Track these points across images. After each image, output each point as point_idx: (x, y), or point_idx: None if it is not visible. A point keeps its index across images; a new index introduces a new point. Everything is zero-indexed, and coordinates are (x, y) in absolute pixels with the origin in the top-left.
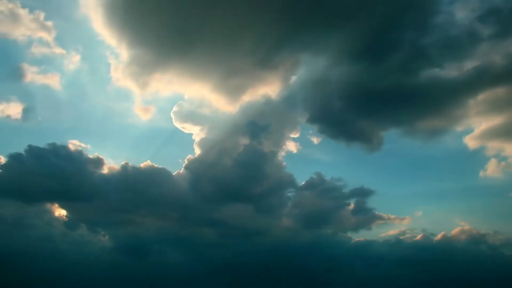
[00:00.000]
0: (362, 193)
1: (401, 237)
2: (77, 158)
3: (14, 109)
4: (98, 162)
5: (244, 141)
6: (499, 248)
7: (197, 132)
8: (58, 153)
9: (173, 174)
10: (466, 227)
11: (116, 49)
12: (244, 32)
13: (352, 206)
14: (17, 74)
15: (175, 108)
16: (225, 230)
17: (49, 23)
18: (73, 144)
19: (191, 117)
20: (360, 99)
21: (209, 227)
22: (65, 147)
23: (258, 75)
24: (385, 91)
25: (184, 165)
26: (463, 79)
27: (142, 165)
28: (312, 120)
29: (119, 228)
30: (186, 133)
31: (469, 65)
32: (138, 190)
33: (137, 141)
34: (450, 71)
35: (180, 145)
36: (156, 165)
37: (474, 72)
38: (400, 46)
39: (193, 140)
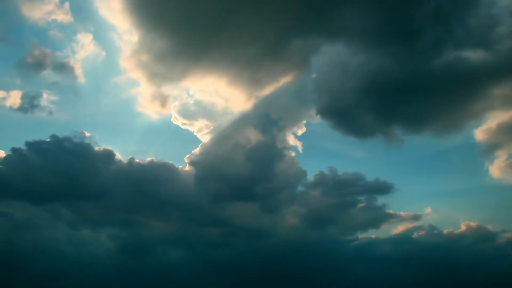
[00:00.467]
0: (373, 190)
1: (410, 235)
2: (83, 151)
3: (16, 98)
4: (107, 156)
5: (252, 136)
6: (506, 247)
7: (201, 128)
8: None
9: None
10: (475, 225)
11: (128, 35)
12: (255, 20)
13: (361, 203)
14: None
15: (177, 103)
16: (229, 229)
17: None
18: (79, 136)
19: (196, 112)
20: (374, 92)
21: (213, 226)
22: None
23: (268, 66)
24: (404, 81)
25: (187, 161)
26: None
27: (147, 160)
28: (323, 114)
29: (125, 227)
30: (191, 128)
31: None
32: (143, 187)
33: (142, 135)
34: (480, 55)
35: (186, 140)
36: (161, 161)
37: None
38: (427, 28)
39: (199, 136)
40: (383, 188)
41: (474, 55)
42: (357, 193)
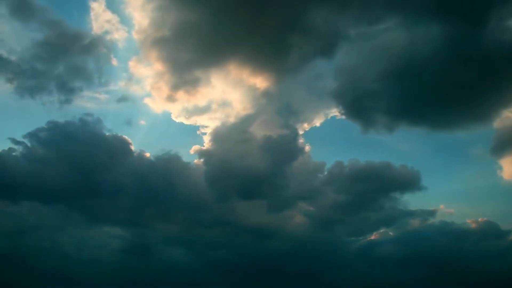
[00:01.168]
0: (384, 188)
1: (422, 232)
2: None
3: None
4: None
5: (267, 128)
6: None
7: (213, 119)
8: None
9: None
10: (489, 222)
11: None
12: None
13: (377, 200)
14: None
15: (193, 91)
16: (233, 228)
17: None
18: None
19: (210, 103)
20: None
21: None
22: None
23: (290, 54)
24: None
25: (193, 153)
26: None
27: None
28: (340, 104)
29: (132, 226)
30: (202, 120)
31: None
32: (152, 180)
33: (149, 130)
34: None
35: (196, 133)
36: (176, 154)
37: None
38: None
39: (210, 128)
40: (402, 184)
41: None
42: (372, 189)
